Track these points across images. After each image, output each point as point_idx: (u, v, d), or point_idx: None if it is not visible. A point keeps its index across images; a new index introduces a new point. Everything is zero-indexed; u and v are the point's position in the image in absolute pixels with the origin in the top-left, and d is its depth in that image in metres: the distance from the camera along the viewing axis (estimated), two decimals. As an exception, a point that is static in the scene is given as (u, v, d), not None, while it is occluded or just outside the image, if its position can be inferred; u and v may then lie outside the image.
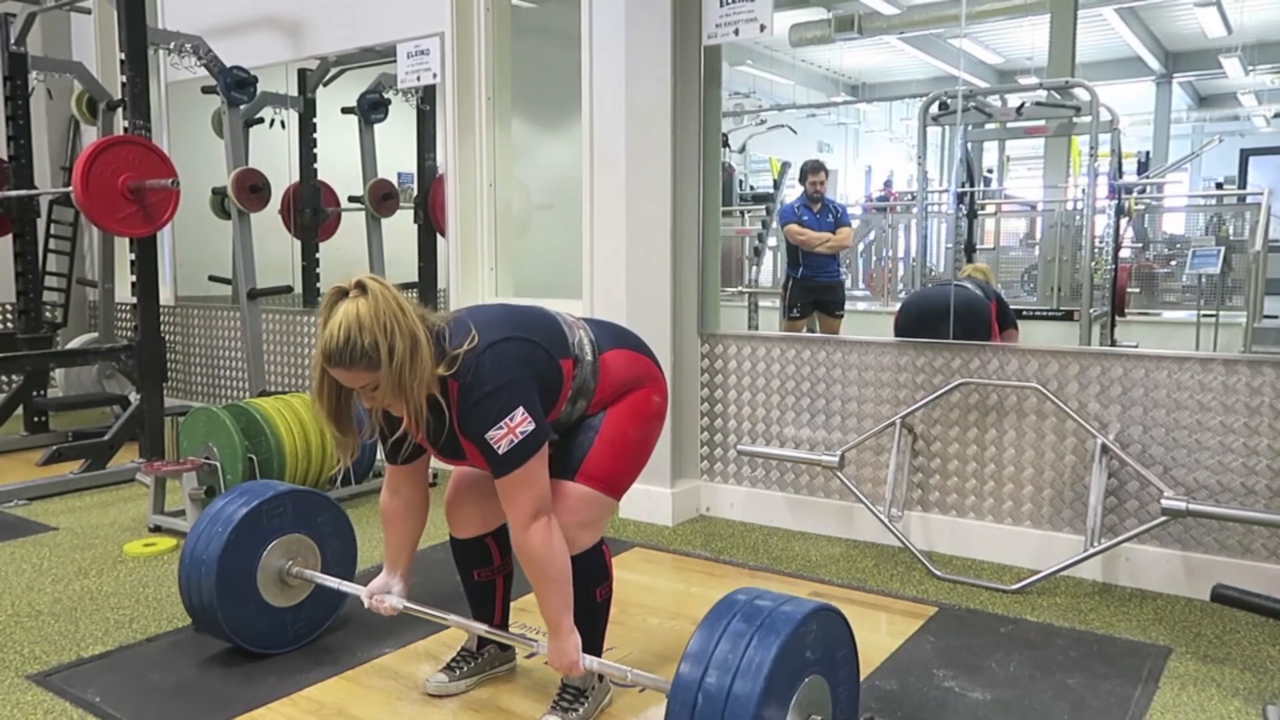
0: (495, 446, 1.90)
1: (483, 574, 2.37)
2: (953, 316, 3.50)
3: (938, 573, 3.23)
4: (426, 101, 4.93)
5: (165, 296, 5.14)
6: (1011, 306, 4.03)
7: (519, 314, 2.10)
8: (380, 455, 4.44)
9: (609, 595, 2.22)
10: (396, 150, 5.36)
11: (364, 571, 3.32)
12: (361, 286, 1.89)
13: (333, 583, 2.56)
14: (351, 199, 5.54)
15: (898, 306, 4.10)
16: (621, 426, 2.13)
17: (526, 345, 2.00)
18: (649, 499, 3.88)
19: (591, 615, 2.20)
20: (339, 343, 1.85)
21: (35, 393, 5.42)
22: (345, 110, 5.43)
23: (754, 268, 5.53)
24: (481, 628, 2.31)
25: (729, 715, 1.59)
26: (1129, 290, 4.54)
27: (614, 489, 2.14)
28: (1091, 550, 3.05)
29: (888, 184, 6.53)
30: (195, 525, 2.55)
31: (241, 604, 2.49)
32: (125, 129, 4.49)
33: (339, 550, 2.72)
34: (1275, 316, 4.29)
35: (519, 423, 1.91)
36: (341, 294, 1.90)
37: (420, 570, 3.28)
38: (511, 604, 2.47)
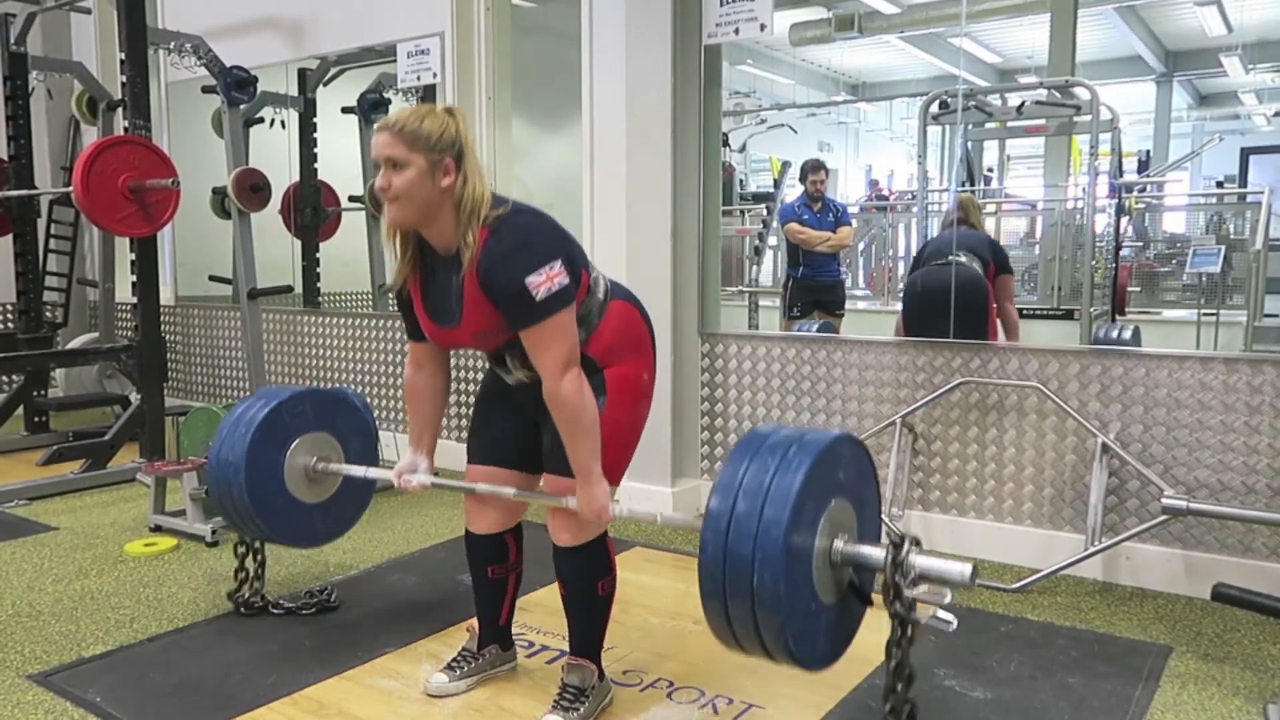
0: (534, 292, 1.91)
1: (496, 571, 2.36)
2: (955, 302, 3.51)
3: (938, 572, 3.23)
4: (427, 101, 4.93)
5: (166, 296, 5.14)
6: (1011, 275, 4.05)
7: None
8: (380, 456, 4.44)
9: (611, 590, 2.22)
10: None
11: (355, 576, 3.33)
12: (452, 110, 2.03)
13: (358, 471, 2.61)
14: (352, 199, 5.54)
15: (903, 293, 4.08)
16: (613, 414, 2.10)
17: (562, 230, 2.06)
18: (649, 498, 3.88)
19: (594, 610, 2.20)
20: (412, 111, 1.98)
21: (36, 393, 5.41)
22: (345, 110, 5.43)
23: (754, 267, 5.53)
24: (510, 491, 2.21)
25: (761, 540, 1.63)
26: (1129, 289, 4.54)
27: (612, 477, 2.13)
28: (1092, 549, 3.05)
29: (874, 183, 6.53)
30: (218, 432, 2.60)
31: (272, 502, 2.56)
32: (125, 129, 4.49)
33: (361, 446, 2.76)
34: (1276, 315, 4.29)
35: (557, 273, 1.94)
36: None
37: (420, 570, 3.29)
38: (516, 604, 2.46)
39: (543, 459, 2.18)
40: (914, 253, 4.90)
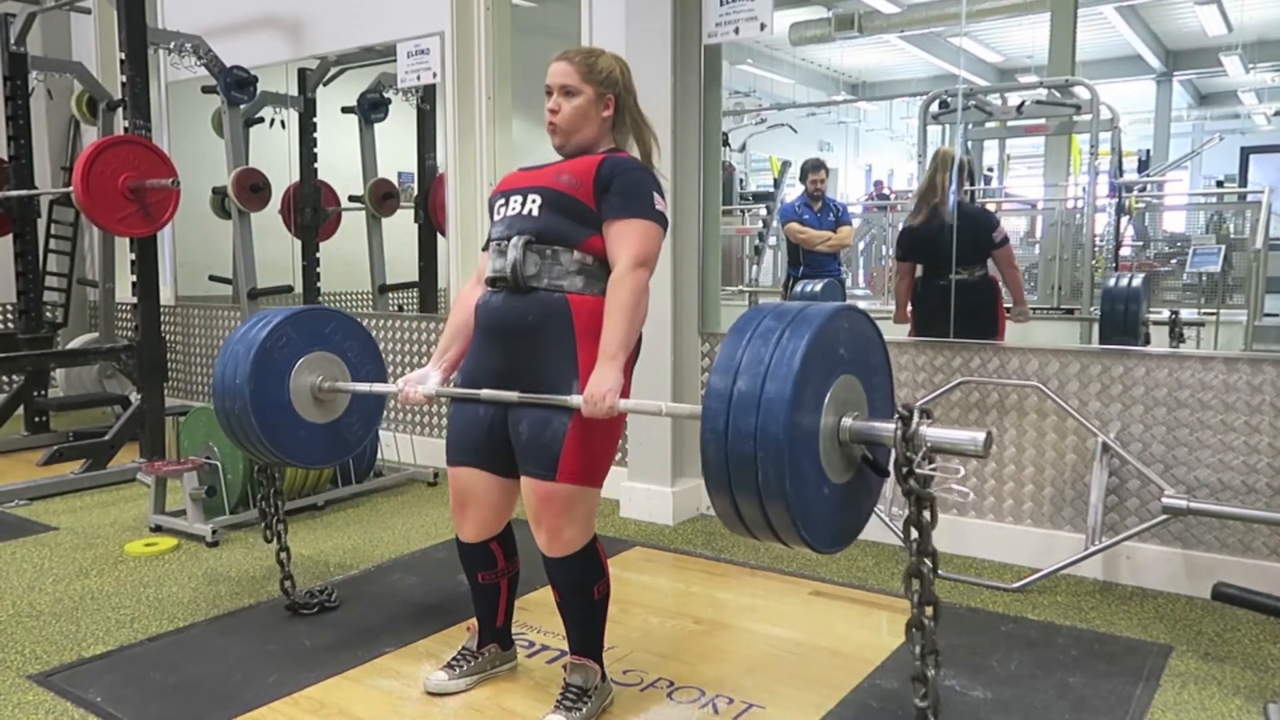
0: (652, 200, 2.10)
1: (487, 577, 2.37)
2: (962, 313, 3.51)
3: (939, 572, 3.22)
4: (426, 101, 4.93)
5: (166, 296, 5.14)
6: (1009, 247, 4.02)
7: None
8: (380, 455, 4.45)
9: (607, 592, 2.22)
10: (397, 150, 5.37)
11: (353, 577, 3.33)
12: (622, 60, 2.28)
13: (363, 388, 2.61)
14: (352, 198, 5.55)
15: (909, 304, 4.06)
16: (589, 421, 2.05)
17: None
18: (650, 498, 3.88)
19: (591, 613, 2.20)
20: (588, 49, 2.23)
21: (36, 393, 5.42)
22: (345, 110, 5.43)
23: (754, 267, 5.53)
24: (513, 396, 2.12)
25: (763, 418, 1.58)
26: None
27: (595, 478, 2.13)
28: (1092, 549, 3.05)
29: (878, 183, 6.53)
30: (222, 353, 2.63)
31: (280, 422, 2.57)
32: (125, 129, 4.49)
33: (368, 369, 2.77)
34: (1276, 315, 4.29)
35: (664, 206, 2.14)
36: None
37: (420, 570, 3.29)
38: (514, 606, 2.46)
39: (518, 457, 2.14)
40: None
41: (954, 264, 3.66)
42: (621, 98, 2.23)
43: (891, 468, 1.76)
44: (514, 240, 2.12)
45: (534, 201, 2.14)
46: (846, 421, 1.73)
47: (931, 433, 1.69)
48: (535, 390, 2.08)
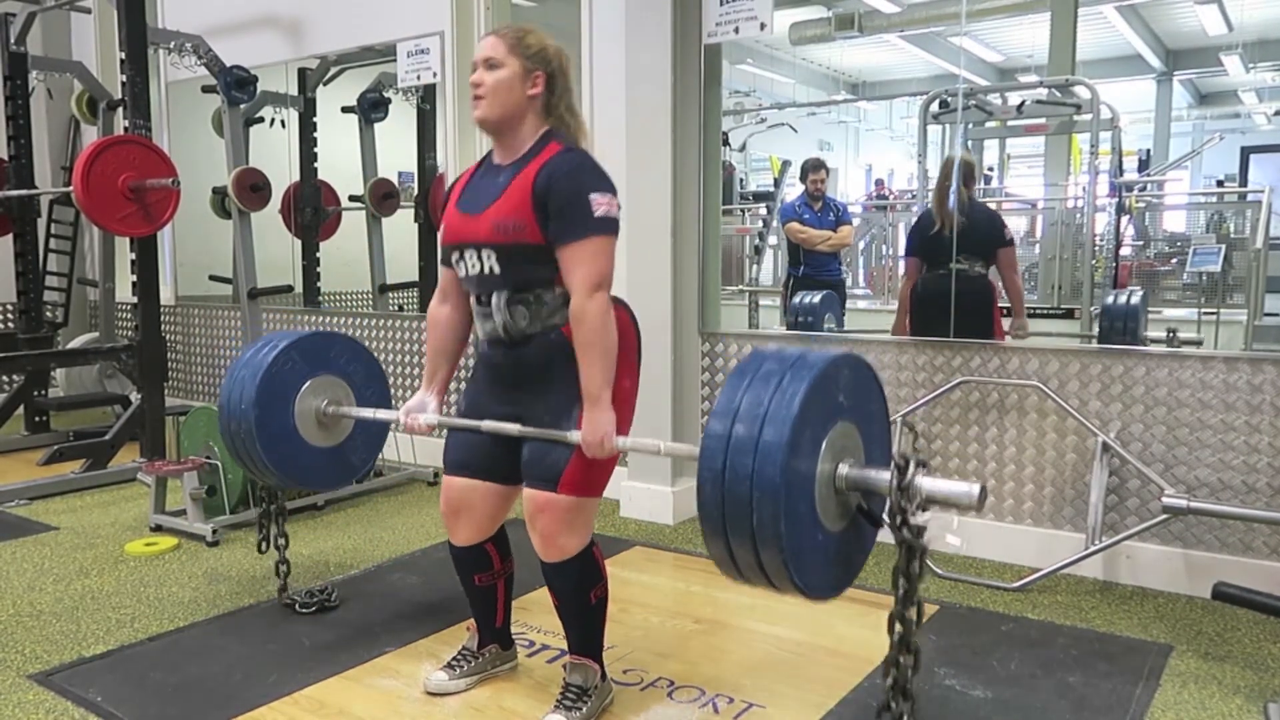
0: (594, 207, 1.98)
1: (483, 579, 2.36)
2: (960, 307, 3.50)
3: (939, 571, 3.23)
4: (427, 100, 4.93)
5: (166, 296, 5.14)
6: (1013, 247, 4.01)
7: None
8: (381, 455, 4.44)
9: (605, 595, 2.22)
10: (397, 149, 5.36)
11: (353, 576, 3.33)
12: (562, 50, 2.16)
13: (367, 413, 2.61)
14: (352, 198, 5.54)
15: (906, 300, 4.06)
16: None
17: None
18: (650, 498, 3.88)
19: (589, 616, 2.20)
20: (518, 25, 2.13)
21: (36, 392, 5.42)
22: (345, 109, 5.43)
23: (755, 266, 5.53)
24: (513, 428, 2.14)
25: (760, 462, 1.58)
26: (1130, 288, 4.54)
27: (596, 488, 2.12)
28: (1092, 548, 3.04)
29: (879, 182, 6.53)
30: (228, 376, 2.61)
31: (284, 445, 2.57)
32: (125, 128, 4.49)
33: (372, 392, 2.78)
34: (1276, 314, 4.29)
35: (614, 204, 2.03)
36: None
37: (420, 570, 3.29)
38: (512, 605, 2.46)
39: (522, 471, 2.14)
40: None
41: (954, 253, 3.65)
42: (554, 79, 2.12)
43: (888, 516, 1.75)
44: (494, 300, 2.10)
45: (490, 258, 2.07)
46: (843, 469, 1.73)
47: (927, 483, 1.70)
48: (540, 417, 2.09)
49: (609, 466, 2.15)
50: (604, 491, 2.17)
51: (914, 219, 4.73)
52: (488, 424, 2.16)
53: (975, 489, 1.69)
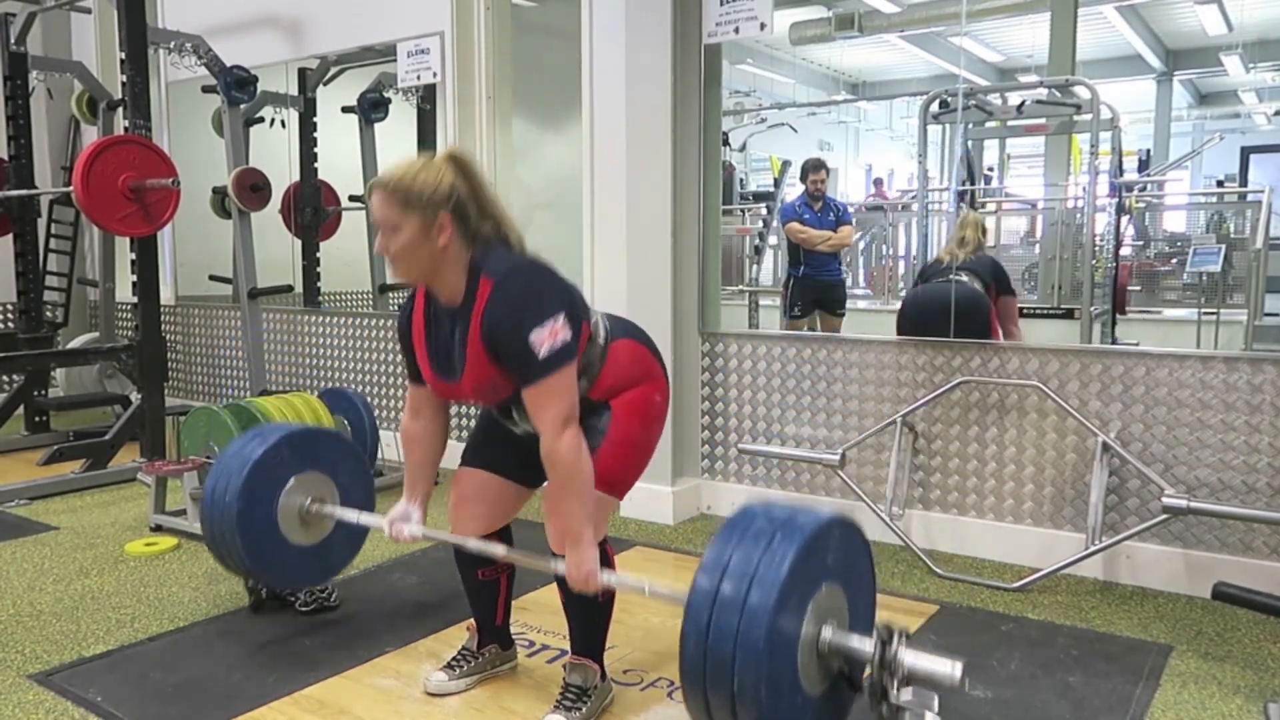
0: (536, 350, 1.88)
1: (487, 574, 2.37)
2: (955, 315, 3.50)
3: (939, 571, 3.23)
4: (427, 100, 4.93)
5: (166, 296, 5.14)
6: (1014, 297, 4.01)
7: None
8: (381, 455, 4.45)
9: (613, 595, 2.22)
10: (397, 149, 5.37)
11: (354, 575, 3.32)
12: (455, 157, 1.98)
13: (351, 515, 2.55)
14: (352, 198, 5.55)
15: (899, 304, 4.09)
16: (627, 429, 2.12)
17: (565, 281, 2.03)
18: (650, 498, 3.88)
19: (595, 613, 2.20)
20: (402, 169, 1.94)
21: (36, 392, 5.42)
22: (345, 109, 5.43)
23: (755, 266, 5.53)
24: (501, 551, 2.20)
25: (745, 623, 1.58)
26: (1130, 288, 4.54)
27: (616, 489, 2.13)
28: (1092, 548, 3.05)
29: (878, 182, 6.53)
30: (213, 468, 2.55)
31: (263, 540, 2.50)
32: (126, 128, 4.49)
33: (355, 490, 2.72)
34: (1276, 314, 4.29)
35: (560, 328, 1.91)
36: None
37: (422, 570, 3.29)
38: (512, 603, 2.46)
39: (545, 469, 2.14)
40: (914, 252, 4.90)
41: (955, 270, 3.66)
42: (461, 208, 1.95)
43: (868, 689, 1.73)
44: (515, 414, 2.13)
45: (487, 406, 2.11)
46: (826, 633, 1.72)
47: (909, 658, 1.69)
48: None
49: (634, 470, 2.16)
50: (623, 497, 2.19)
51: (913, 219, 4.73)
52: (474, 543, 2.21)
53: (958, 670, 1.68)
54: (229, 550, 2.49)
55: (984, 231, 4.05)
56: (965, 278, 3.68)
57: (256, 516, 2.48)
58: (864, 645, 1.73)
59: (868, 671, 1.72)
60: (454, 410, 4.73)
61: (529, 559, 2.15)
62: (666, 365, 2.28)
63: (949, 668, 1.69)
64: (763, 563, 1.62)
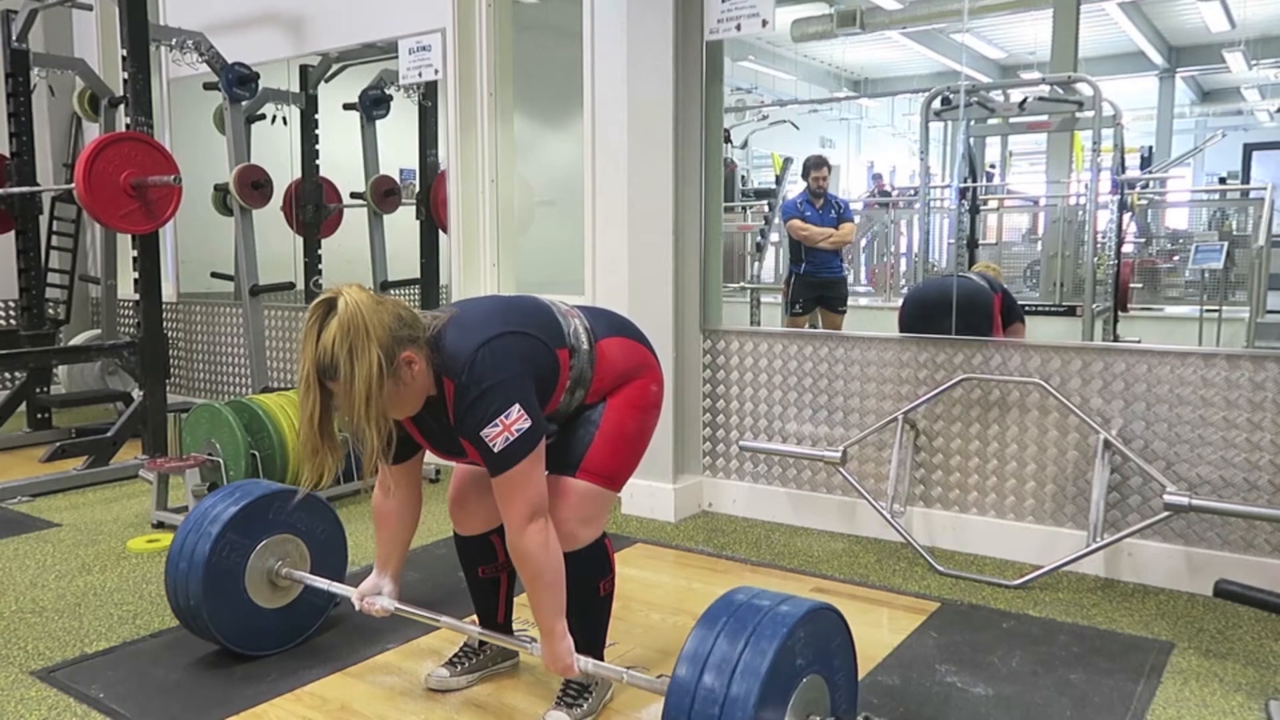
0: (491, 444, 1.88)
1: (487, 571, 2.37)
2: (955, 308, 3.50)
3: (940, 568, 3.23)
4: (428, 97, 4.93)
5: (168, 293, 5.15)
6: (1023, 324, 4.01)
7: (513, 306, 2.09)
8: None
9: (612, 589, 2.22)
10: (398, 146, 5.37)
11: (355, 573, 3.33)
12: (330, 305, 1.84)
13: (322, 583, 2.53)
14: (354, 195, 5.54)
15: (901, 301, 4.09)
16: (620, 420, 2.13)
17: (521, 339, 1.98)
18: (651, 495, 3.88)
19: (594, 609, 2.20)
20: (330, 351, 1.81)
21: (38, 389, 5.42)
22: (347, 106, 5.43)
23: (756, 263, 5.53)
24: (474, 630, 2.30)
25: (726, 717, 1.58)
26: (1132, 285, 4.54)
27: (614, 482, 2.14)
28: (1094, 545, 3.05)
29: (877, 178, 6.52)
30: (183, 525, 2.52)
31: (229, 605, 2.46)
32: (127, 125, 4.49)
33: (328, 551, 2.69)
34: (1278, 312, 4.29)
35: (515, 420, 1.88)
36: (329, 307, 1.85)
37: (423, 567, 3.29)
38: (514, 600, 2.47)
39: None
40: (916, 249, 4.90)
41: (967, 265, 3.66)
42: (414, 340, 1.89)
43: None
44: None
45: None
46: None
47: None
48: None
49: (631, 462, 2.18)
50: (621, 489, 2.19)
51: (915, 216, 4.73)
52: (446, 620, 2.30)
53: None
54: (206, 636, 2.49)
55: (998, 274, 4.07)
56: (974, 277, 3.69)
57: (227, 604, 2.46)
58: None
59: None
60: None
61: (507, 640, 2.25)
62: (660, 356, 2.27)
63: None
64: (745, 656, 1.62)
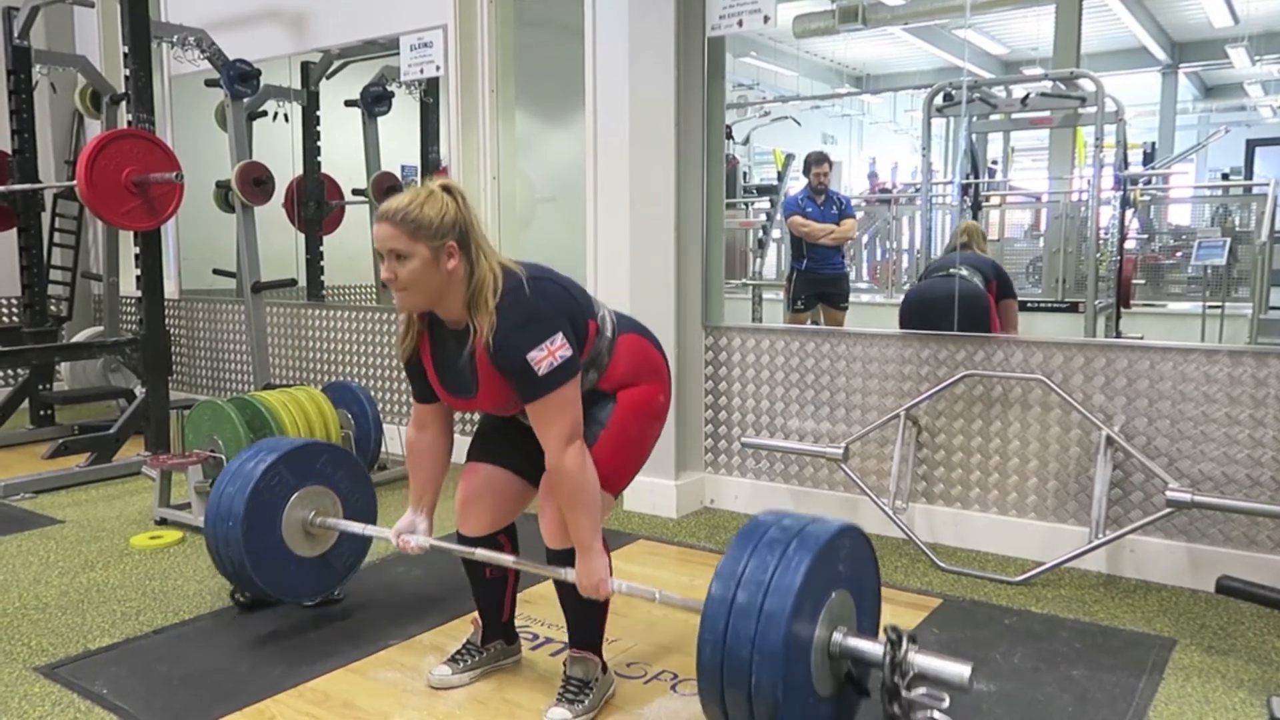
0: (536, 368, 1.94)
1: (494, 572, 2.37)
2: (957, 309, 3.50)
3: (942, 565, 3.23)
4: (430, 94, 4.93)
5: (170, 290, 5.16)
6: (1015, 300, 4.00)
7: (557, 273, 2.17)
8: (384, 448, 4.46)
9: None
10: (400, 143, 5.37)
11: (372, 563, 3.33)
12: (450, 188, 2.02)
13: (356, 528, 2.64)
14: (355, 192, 5.54)
15: (901, 299, 4.09)
16: (624, 424, 2.15)
17: (564, 291, 2.08)
18: (653, 491, 3.88)
19: (591, 608, 2.20)
20: (407, 200, 1.98)
21: (41, 386, 5.43)
22: (348, 103, 5.43)
23: (758, 260, 5.53)
24: (509, 559, 2.28)
25: (761, 630, 1.63)
26: (1134, 282, 4.54)
27: (612, 485, 2.15)
28: (1096, 542, 3.04)
29: (874, 175, 6.51)
30: (216, 485, 2.64)
31: (269, 556, 2.60)
32: (129, 122, 4.50)
33: (359, 498, 2.82)
34: (1281, 308, 4.27)
35: (559, 347, 1.96)
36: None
37: (424, 563, 3.29)
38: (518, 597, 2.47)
39: (553, 483, 2.14)
40: (918, 247, 4.90)
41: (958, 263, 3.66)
42: (465, 236, 2.01)
43: (880, 690, 1.78)
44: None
45: (496, 410, 2.17)
46: (837, 637, 1.78)
47: (919, 659, 1.75)
48: None
49: (630, 467, 2.19)
50: (620, 493, 2.21)
51: (916, 212, 4.72)
52: (481, 552, 2.27)
53: (966, 671, 1.73)
54: (240, 573, 2.61)
55: (984, 238, 4.07)
56: (966, 272, 3.68)
57: (262, 537, 2.58)
58: (874, 648, 1.78)
59: (882, 678, 1.77)
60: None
61: (538, 567, 2.20)
62: (670, 364, 2.30)
63: (958, 668, 1.73)
64: (778, 571, 1.68)
